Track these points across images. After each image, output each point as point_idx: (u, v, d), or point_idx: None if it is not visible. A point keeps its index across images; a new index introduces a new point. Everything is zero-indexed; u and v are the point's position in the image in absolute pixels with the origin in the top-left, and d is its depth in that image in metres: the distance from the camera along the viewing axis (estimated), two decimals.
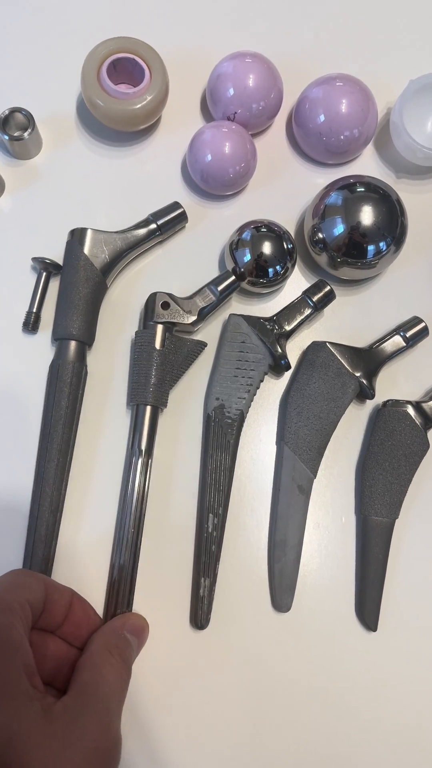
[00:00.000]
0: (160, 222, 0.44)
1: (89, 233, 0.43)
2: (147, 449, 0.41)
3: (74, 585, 0.38)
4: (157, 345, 0.41)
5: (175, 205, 0.44)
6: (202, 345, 0.43)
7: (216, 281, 0.43)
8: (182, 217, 0.45)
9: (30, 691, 0.28)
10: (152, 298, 0.43)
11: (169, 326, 0.42)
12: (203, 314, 0.43)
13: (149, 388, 0.41)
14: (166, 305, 0.42)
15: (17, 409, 0.43)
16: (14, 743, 0.26)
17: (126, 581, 0.39)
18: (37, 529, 0.40)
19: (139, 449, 0.41)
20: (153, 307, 0.42)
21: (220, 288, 0.43)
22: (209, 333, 0.45)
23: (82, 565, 0.41)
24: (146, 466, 0.41)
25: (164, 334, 0.42)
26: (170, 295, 0.42)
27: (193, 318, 0.42)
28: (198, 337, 0.44)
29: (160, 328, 0.42)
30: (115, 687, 0.31)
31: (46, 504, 0.40)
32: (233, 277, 0.43)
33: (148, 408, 0.41)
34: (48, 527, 0.40)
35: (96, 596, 0.40)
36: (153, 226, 0.44)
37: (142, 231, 0.44)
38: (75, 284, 0.42)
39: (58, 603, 0.34)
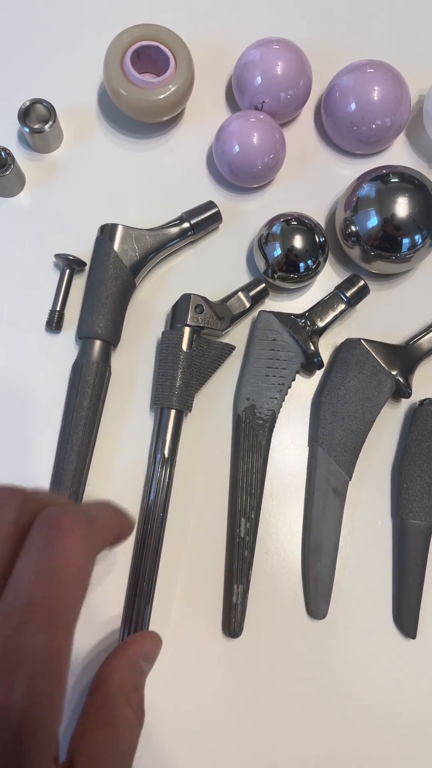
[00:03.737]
0: (193, 221, 0.42)
1: (120, 229, 0.41)
2: (170, 455, 0.40)
3: (89, 594, 0.37)
4: (184, 347, 0.40)
5: (210, 205, 0.43)
6: (230, 348, 0.42)
7: (248, 287, 0.42)
8: (216, 217, 0.43)
9: None
10: (185, 299, 0.41)
11: (197, 329, 0.41)
12: (234, 319, 0.41)
13: (174, 391, 0.40)
14: (200, 309, 0.41)
15: (37, 409, 0.41)
16: None
17: (146, 590, 0.38)
18: None
19: (162, 454, 0.39)
20: (186, 308, 0.41)
21: (252, 294, 0.42)
22: (234, 334, 0.43)
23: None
24: (169, 472, 0.39)
25: (192, 335, 0.40)
26: (205, 299, 0.41)
27: (225, 324, 0.41)
28: (224, 337, 0.43)
29: (187, 329, 0.40)
30: (129, 742, 0.28)
31: None
32: (263, 285, 0.42)
33: (173, 411, 0.40)
34: None
35: (112, 606, 0.39)
36: (186, 225, 0.42)
37: (175, 230, 0.42)
38: (103, 282, 0.40)
39: None
